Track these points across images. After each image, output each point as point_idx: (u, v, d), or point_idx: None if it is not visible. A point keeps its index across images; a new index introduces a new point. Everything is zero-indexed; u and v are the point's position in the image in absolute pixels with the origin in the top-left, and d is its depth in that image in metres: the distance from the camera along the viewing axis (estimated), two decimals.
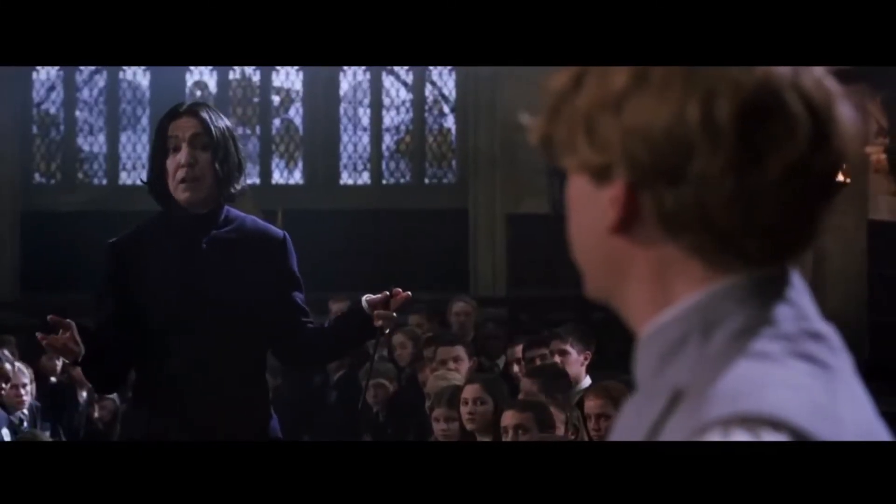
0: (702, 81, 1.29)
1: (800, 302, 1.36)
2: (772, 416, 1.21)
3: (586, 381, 6.58)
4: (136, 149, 14.10)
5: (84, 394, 8.43)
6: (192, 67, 13.88)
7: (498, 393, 5.98)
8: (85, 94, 14.13)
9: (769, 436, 1.20)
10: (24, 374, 7.35)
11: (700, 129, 1.28)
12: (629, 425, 1.36)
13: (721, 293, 1.32)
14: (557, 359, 6.77)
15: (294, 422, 9.13)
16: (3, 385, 7.11)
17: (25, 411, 7.39)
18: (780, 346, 1.29)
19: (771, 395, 1.23)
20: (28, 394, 7.35)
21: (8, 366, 7.23)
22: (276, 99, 14.32)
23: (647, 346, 1.36)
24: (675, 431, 1.26)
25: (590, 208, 1.35)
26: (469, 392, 6.05)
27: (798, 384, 1.26)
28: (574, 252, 1.39)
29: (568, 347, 6.72)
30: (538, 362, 6.86)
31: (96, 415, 8.71)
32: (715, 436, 1.21)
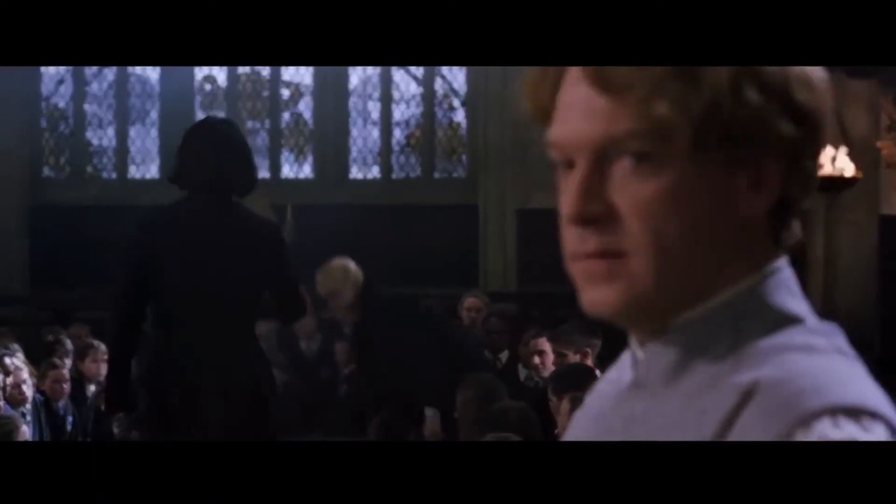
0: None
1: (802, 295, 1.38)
2: (867, 406, 1.23)
3: None
4: (145, 143, 14.07)
5: (92, 387, 8.41)
6: None
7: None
8: (94, 87, 14.10)
9: (871, 425, 1.22)
10: (23, 369, 7.34)
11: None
12: (651, 421, 1.34)
13: (749, 288, 1.33)
14: (536, 359, 6.76)
15: (302, 417, 9.12)
16: (7, 381, 7.09)
17: (28, 406, 7.37)
18: (823, 341, 1.30)
19: (855, 386, 1.25)
20: (30, 388, 7.34)
21: (8, 360, 7.21)
22: (285, 93, 14.28)
23: (674, 343, 1.34)
24: (753, 425, 1.25)
25: (709, 196, 1.31)
26: None
27: (862, 376, 1.29)
28: (663, 260, 1.30)
29: (545, 347, 6.70)
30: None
31: (104, 407, 8.68)
32: (824, 424, 1.21)
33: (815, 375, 1.25)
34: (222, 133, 5.39)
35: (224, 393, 5.15)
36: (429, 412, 6.76)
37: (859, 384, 1.26)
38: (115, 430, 7.86)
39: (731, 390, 1.28)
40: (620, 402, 1.39)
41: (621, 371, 1.44)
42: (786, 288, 1.34)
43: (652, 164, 1.29)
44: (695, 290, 1.32)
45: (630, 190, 1.30)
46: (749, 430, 1.24)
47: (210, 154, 5.23)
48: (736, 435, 1.25)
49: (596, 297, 1.33)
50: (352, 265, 7.07)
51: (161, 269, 5.15)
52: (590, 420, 1.44)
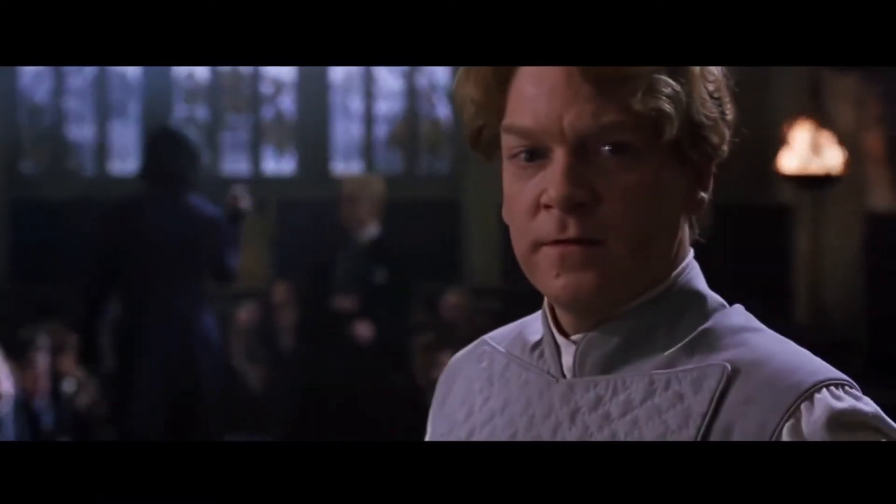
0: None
1: None
2: (846, 378, 1.33)
3: None
4: (125, 138, 13.98)
5: (68, 383, 8.37)
6: None
7: None
8: (73, 81, 14.01)
9: (857, 393, 1.32)
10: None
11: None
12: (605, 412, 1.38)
13: (681, 277, 1.41)
14: None
15: (287, 417, 9.04)
16: None
17: (8, 402, 7.31)
18: (756, 321, 1.41)
19: (821, 361, 1.35)
20: (9, 384, 7.29)
21: None
22: (267, 87, 14.21)
23: (614, 331, 1.40)
24: (747, 404, 1.32)
25: (675, 190, 1.39)
26: None
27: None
28: (640, 248, 1.37)
29: None
30: None
31: (83, 402, 8.62)
32: (824, 396, 1.30)
33: (786, 354, 1.35)
34: (172, 137, 6.62)
35: (172, 348, 6.29)
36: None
37: (818, 359, 1.36)
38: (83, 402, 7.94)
39: (706, 374, 1.34)
40: (554, 394, 1.42)
41: (515, 362, 1.49)
42: (701, 276, 1.43)
43: (631, 154, 1.34)
44: (655, 279, 1.40)
45: (614, 178, 1.34)
46: (742, 409, 1.32)
47: (161, 155, 6.43)
48: (728, 415, 1.32)
49: (570, 282, 1.36)
50: (375, 179, 7.72)
51: (122, 252, 6.29)
52: (515, 414, 1.45)
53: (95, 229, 6.53)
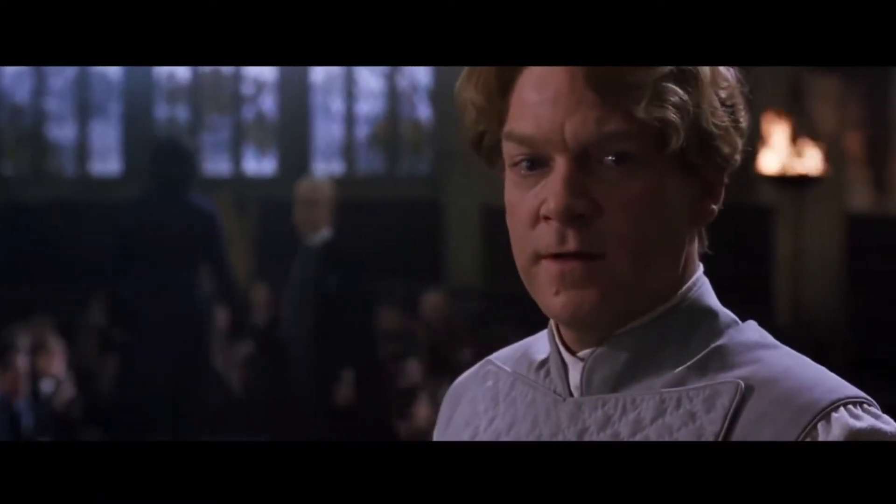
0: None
1: None
2: (863, 395, 1.30)
3: None
4: (105, 139, 13.94)
5: (46, 384, 8.33)
6: None
7: None
8: (54, 81, 13.97)
9: (875, 411, 1.29)
10: None
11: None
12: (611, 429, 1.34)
13: (691, 292, 1.37)
14: None
15: (267, 416, 9.02)
16: None
17: None
18: (770, 337, 1.36)
19: (837, 378, 1.31)
20: None
21: None
22: (248, 88, 14.18)
23: (622, 349, 1.36)
24: (761, 422, 1.28)
25: (679, 201, 1.34)
26: None
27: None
28: (641, 260, 1.32)
29: None
30: None
31: (62, 400, 8.58)
32: (842, 415, 1.27)
33: (803, 370, 1.31)
34: (169, 145, 7.79)
35: (169, 328, 7.03)
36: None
37: (836, 376, 1.31)
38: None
39: (718, 391, 1.30)
40: (561, 413, 1.39)
41: (521, 382, 1.44)
42: (711, 292, 1.39)
43: (634, 164, 1.30)
44: (660, 294, 1.35)
45: (615, 188, 1.31)
46: (756, 427, 1.28)
47: (158, 161, 7.36)
48: (741, 434, 1.28)
49: (570, 300, 1.32)
50: (328, 183, 7.92)
51: (136, 242, 7.15)
52: (521, 434, 1.41)
53: (113, 225, 7.48)
